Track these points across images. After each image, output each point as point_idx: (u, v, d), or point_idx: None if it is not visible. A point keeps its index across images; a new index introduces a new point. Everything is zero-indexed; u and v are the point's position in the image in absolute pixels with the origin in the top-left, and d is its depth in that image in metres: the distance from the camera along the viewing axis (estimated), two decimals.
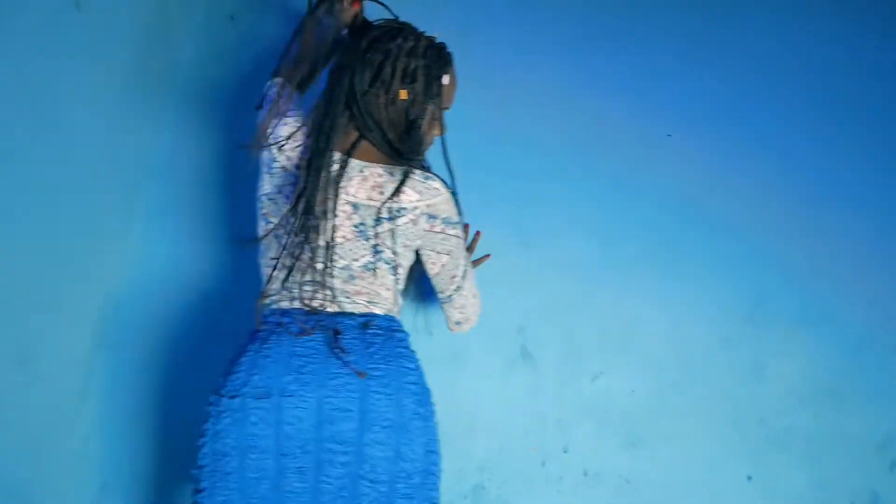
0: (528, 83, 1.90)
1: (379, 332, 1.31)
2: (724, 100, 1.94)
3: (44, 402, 1.64)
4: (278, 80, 1.40)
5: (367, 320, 1.31)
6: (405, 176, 1.29)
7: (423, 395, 1.31)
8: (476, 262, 1.60)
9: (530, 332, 1.84)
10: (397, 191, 1.28)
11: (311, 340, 1.26)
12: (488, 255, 1.65)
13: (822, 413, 1.86)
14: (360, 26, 1.39)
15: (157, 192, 1.84)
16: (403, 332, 1.37)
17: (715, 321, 1.87)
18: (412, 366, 1.31)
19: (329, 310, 1.30)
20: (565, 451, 1.81)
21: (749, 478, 1.82)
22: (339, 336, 1.27)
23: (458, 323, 1.52)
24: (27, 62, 1.46)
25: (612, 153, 1.89)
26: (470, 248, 1.57)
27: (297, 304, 1.30)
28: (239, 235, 1.82)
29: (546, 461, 1.80)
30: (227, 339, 1.78)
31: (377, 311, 1.34)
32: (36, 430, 1.64)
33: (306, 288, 1.29)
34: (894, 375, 1.88)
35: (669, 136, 1.91)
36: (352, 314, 1.31)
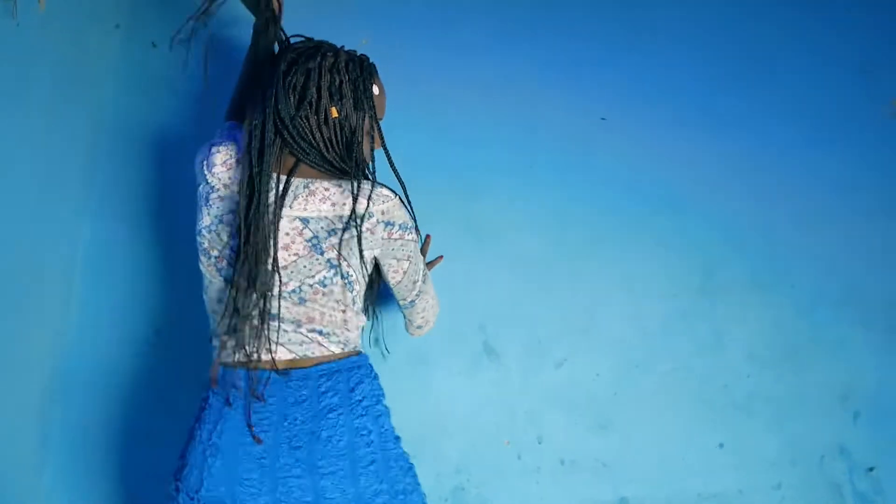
0: (459, 80, 1.91)
1: (334, 398, 1.25)
2: (653, 76, 1.97)
3: (6, 456, 1.59)
4: (226, 124, 1.40)
5: (323, 382, 1.26)
6: (356, 185, 1.26)
7: (384, 467, 1.25)
8: (430, 265, 1.60)
9: (491, 328, 1.84)
10: (353, 197, 1.25)
11: (261, 430, 1.22)
12: (441, 257, 1.66)
13: (782, 374, 1.90)
14: (276, 51, 1.36)
15: (94, 234, 1.80)
16: (363, 377, 1.31)
17: (671, 296, 1.90)
18: (370, 437, 1.25)
19: (282, 357, 1.25)
20: (539, 442, 1.81)
21: (721, 445, 1.85)
22: (289, 423, 1.23)
23: (419, 327, 1.51)
24: None
25: (550, 142, 1.91)
26: (423, 252, 1.57)
27: (243, 358, 1.24)
28: (179, 269, 1.80)
29: (522, 454, 1.81)
30: (177, 377, 1.77)
31: (334, 349, 1.29)
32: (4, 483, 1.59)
33: (252, 335, 1.23)
34: (847, 329, 1.93)
35: (603, 119, 1.94)
36: (304, 365, 1.26)
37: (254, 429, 1.22)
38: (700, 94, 1.96)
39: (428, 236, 1.61)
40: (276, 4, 1.44)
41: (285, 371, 1.25)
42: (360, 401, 1.27)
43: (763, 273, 1.93)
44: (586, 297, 1.88)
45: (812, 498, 1.85)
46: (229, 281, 1.25)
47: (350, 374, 1.28)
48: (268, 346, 1.23)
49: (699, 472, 1.84)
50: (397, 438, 1.31)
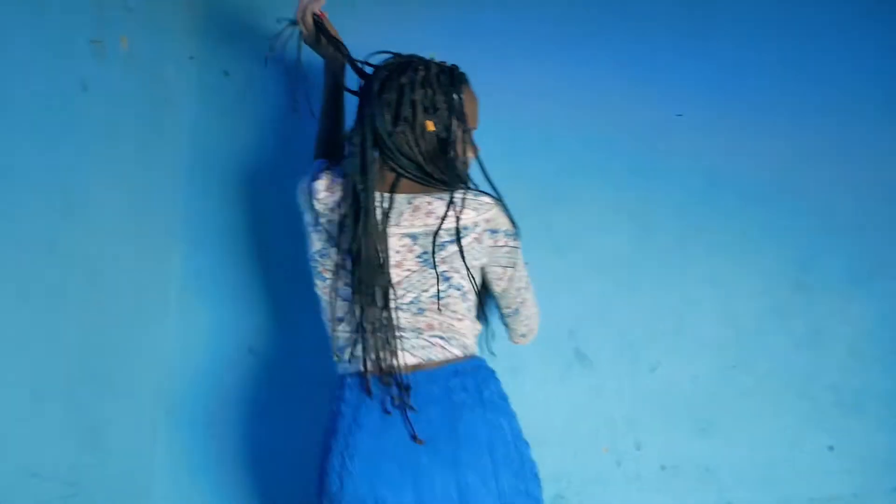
0: (534, 86, 1.91)
1: (464, 394, 1.26)
2: (732, 67, 1.92)
3: (117, 476, 1.65)
4: (316, 162, 1.44)
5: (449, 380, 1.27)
6: (455, 195, 1.27)
7: (521, 467, 1.25)
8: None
9: (581, 333, 1.82)
10: (450, 206, 1.25)
11: (393, 428, 1.23)
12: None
13: (889, 369, 1.81)
14: (369, 72, 1.39)
15: (186, 257, 1.87)
16: (488, 375, 1.32)
17: (765, 292, 1.83)
18: (505, 435, 1.25)
19: (408, 363, 1.27)
20: (638, 448, 1.77)
21: (831, 448, 1.77)
22: (423, 421, 1.23)
23: (523, 335, 1.50)
24: (46, 147, 1.49)
25: (628, 142, 1.89)
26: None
27: (370, 367, 1.27)
28: (275, 288, 1.85)
29: (621, 460, 1.76)
30: (280, 391, 1.81)
31: (456, 352, 1.30)
32: (115, 499, 1.65)
33: (377, 345, 1.26)
34: None
35: (680, 115, 1.90)
36: (430, 367, 1.28)
37: (395, 430, 1.23)
38: (784, 83, 1.91)
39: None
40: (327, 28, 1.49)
41: (413, 374, 1.26)
42: (491, 398, 1.28)
43: (861, 266, 1.85)
44: (676, 298, 1.83)
45: None
46: (348, 300, 1.29)
47: (476, 373, 1.30)
48: (394, 352, 1.26)
49: (809, 475, 1.76)
50: (527, 444, 1.30)
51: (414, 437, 1.21)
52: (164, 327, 1.84)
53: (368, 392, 1.26)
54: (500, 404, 1.29)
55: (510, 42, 1.93)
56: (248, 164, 1.93)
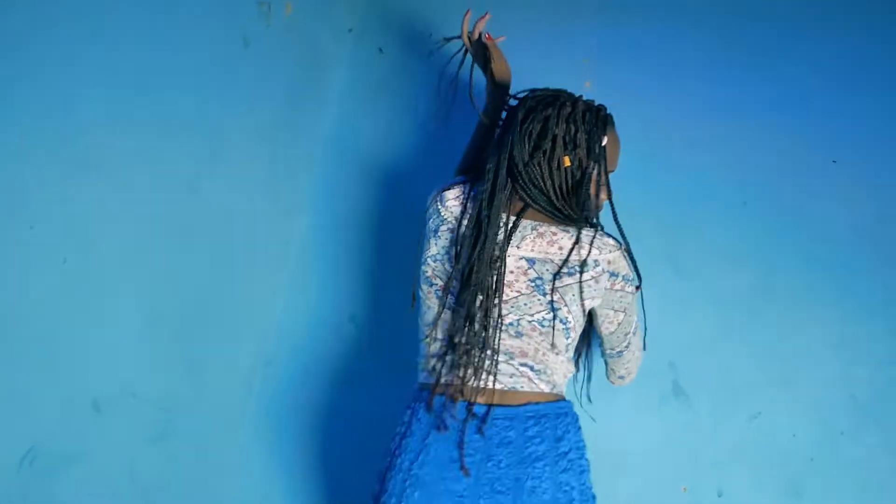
0: (675, 105, 1.86)
1: (540, 446, 1.23)
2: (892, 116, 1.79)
3: (208, 414, 1.75)
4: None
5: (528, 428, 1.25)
6: (582, 232, 1.27)
7: None
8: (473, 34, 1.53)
9: (682, 366, 1.75)
10: (577, 243, 1.26)
11: (458, 464, 1.21)
12: (638, 287, 1.60)
13: None
14: (516, 102, 1.39)
15: (312, 220, 1.96)
16: (569, 425, 1.28)
17: (889, 364, 1.70)
18: (572, 496, 1.22)
19: (492, 386, 1.26)
20: (719, 495, 1.69)
21: None
22: (492, 464, 1.21)
23: (621, 377, 1.49)
24: (203, 93, 1.58)
25: (772, 178, 1.79)
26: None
27: (455, 383, 1.27)
28: (385, 266, 1.90)
29: None
30: (373, 363, 1.86)
31: (543, 387, 1.28)
32: (203, 436, 1.75)
33: (465, 363, 1.26)
34: None
35: (834, 161, 1.79)
36: (512, 405, 1.26)
37: (464, 459, 1.22)
38: None
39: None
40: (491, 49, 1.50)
41: (493, 408, 1.25)
42: (566, 453, 1.24)
43: None
44: (790, 351, 1.73)
45: None
46: (449, 309, 1.30)
47: (557, 420, 1.27)
48: (481, 373, 1.25)
49: None
50: (594, 497, 1.28)
51: (462, 466, 1.20)
52: (279, 282, 1.93)
53: (440, 424, 1.25)
54: (574, 460, 1.25)
55: (654, 58, 1.89)
56: (387, 143, 1.97)
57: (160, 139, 1.48)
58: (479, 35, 1.50)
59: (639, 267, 1.35)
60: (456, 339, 1.26)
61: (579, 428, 1.31)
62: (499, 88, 1.49)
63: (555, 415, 1.27)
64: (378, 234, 1.92)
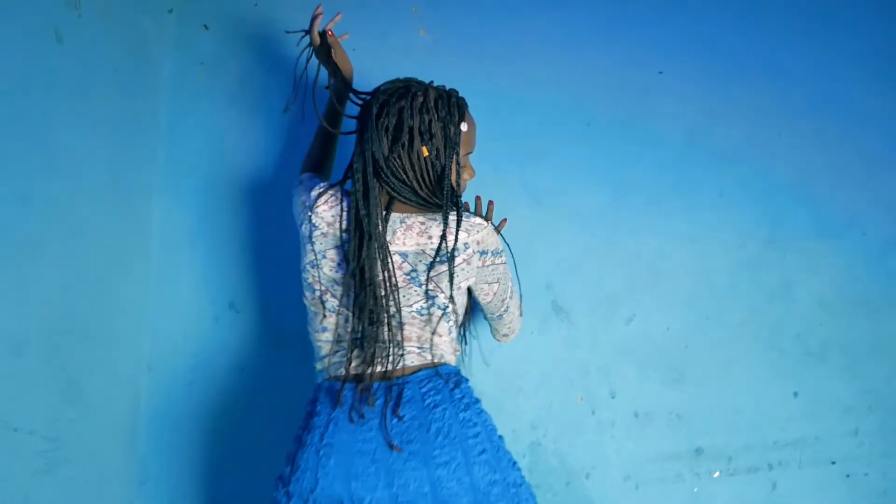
0: (513, 44, 1.92)
1: (437, 396, 1.29)
2: (709, 28, 1.93)
3: (98, 431, 1.68)
4: (305, 175, 1.48)
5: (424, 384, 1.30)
6: (448, 218, 1.30)
7: (494, 457, 1.27)
8: (497, 229, 1.62)
9: (558, 287, 1.86)
10: (445, 230, 1.29)
11: (370, 430, 1.26)
12: (505, 220, 1.67)
13: (856, 321, 1.87)
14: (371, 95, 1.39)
15: (166, 211, 1.89)
16: (460, 379, 1.35)
17: (737, 248, 1.88)
18: (477, 429, 1.28)
19: (385, 369, 1.30)
20: (613, 397, 1.83)
21: (795, 394, 1.84)
22: (397, 420, 1.26)
23: (505, 335, 1.56)
24: (23, 99, 1.47)
25: (606, 99, 1.91)
26: (487, 218, 1.59)
27: (351, 372, 1.31)
28: (256, 243, 1.86)
29: (596, 409, 1.83)
30: (260, 347, 1.84)
31: (431, 358, 1.34)
32: (98, 456, 1.67)
33: (358, 353, 1.31)
34: None
35: (661, 73, 1.92)
36: (405, 374, 1.31)
37: (370, 431, 1.26)
38: (759, 41, 1.92)
39: (491, 202, 1.63)
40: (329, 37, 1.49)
41: (388, 378, 1.30)
42: (462, 398, 1.31)
43: (832, 222, 1.90)
44: (651, 253, 1.88)
45: (892, 442, 1.83)
46: (332, 311, 1.33)
47: (448, 377, 1.34)
48: (372, 362, 1.29)
49: (774, 420, 1.83)
50: (501, 437, 1.34)
51: (391, 445, 1.23)
52: (145, 282, 1.85)
53: (340, 399, 1.29)
54: (470, 403, 1.31)
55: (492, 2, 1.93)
56: (228, 117, 1.92)
57: None
58: (323, 32, 1.49)
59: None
60: (351, 338, 1.31)
61: (469, 385, 1.37)
62: (344, 84, 1.49)
63: (445, 373, 1.34)
64: (239, 213, 1.88)
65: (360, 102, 1.40)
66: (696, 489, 1.82)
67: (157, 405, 1.83)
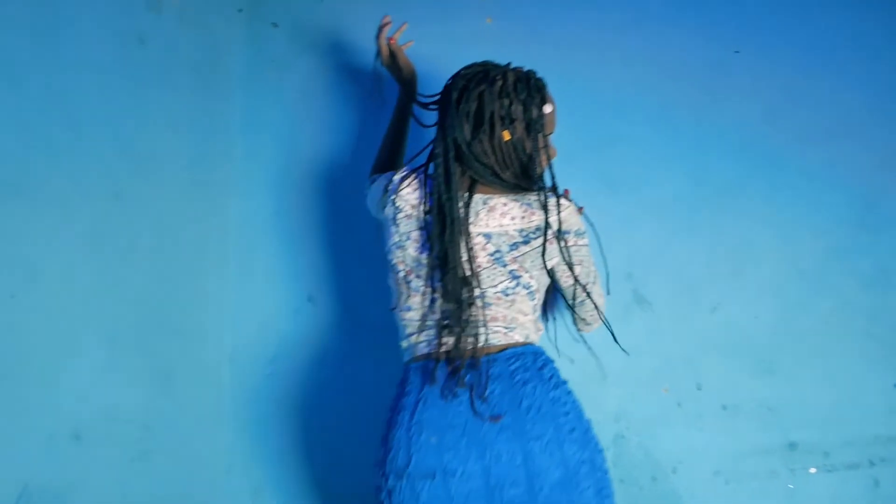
0: (581, 29, 1.90)
1: (525, 374, 1.29)
2: (786, 1, 1.86)
3: (187, 420, 1.72)
4: (376, 175, 1.51)
5: (511, 363, 1.30)
6: (530, 199, 1.31)
7: (584, 437, 1.27)
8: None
9: (639, 276, 1.81)
10: (523, 213, 1.30)
11: (460, 405, 1.26)
12: (582, 208, 1.64)
13: None
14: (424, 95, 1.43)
15: (244, 206, 1.94)
16: (548, 360, 1.35)
17: (827, 232, 1.79)
18: (567, 408, 1.28)
19: (469, 348, 1.30)
20: (699, 388, 1.77)
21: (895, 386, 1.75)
22: (487, 396, 1.26)
23: (588, 324, 1.53)
24: (111, 100, 1.53)
25: (680, 81, 1.86)
26: None
27: (434, 351, 1.32)
28: (333, 236, 1.88)
29: (681, 401, 1.77)
30: (339, 338, 1.85)
31: (517, 337, 1.34)
32: (186, 444, 1.71)
33: (446, 333, 1.31)
34: None
35: (737, 52, 1.86)
36: (491, 352, 1.31)
37: (461, 406, 1.26)
38: (840, 13, 1.84)
39: (566, 189, 1.60)
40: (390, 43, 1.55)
41: (476, 357, 1.30)
42: (550, 377, 1.30)
43: None
44: (735, 239, 1.81)
45: None
46: (417, 291, 1.34)
47: (535, 356, 1.33)
48: (459, 340, 1.29)
49: (874, 413, 1.73)
50: (589, 420, 1.32)
51: (491, 417, 1.23)
52: (225, 273, 1.90)
53: (433, 377, 1.29)
54: (560, 384, 1.31)
55: None
56: (300, 112, 1.96)
57: (73, 151, 1.43)
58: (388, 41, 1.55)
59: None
60: (438, 318, 1.31)
61: (556, 367, 1.35)
62: (407, 94, 1.54)
63: (532, 353, 1.33)
64: (314, 206, 1.91)
65: (428, 107, 1.43)
66: (791, 486, 1.73)
67: (240, 396, 1.87)
